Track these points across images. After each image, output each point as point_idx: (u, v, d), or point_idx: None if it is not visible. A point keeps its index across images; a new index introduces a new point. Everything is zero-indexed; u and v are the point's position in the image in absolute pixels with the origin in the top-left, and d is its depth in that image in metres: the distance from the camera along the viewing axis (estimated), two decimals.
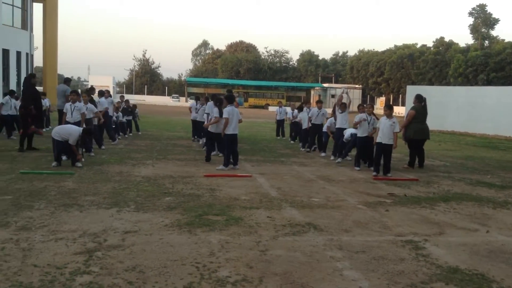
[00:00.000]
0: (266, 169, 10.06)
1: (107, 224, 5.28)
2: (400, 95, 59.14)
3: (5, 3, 29.43)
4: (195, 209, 6.15)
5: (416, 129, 11.02)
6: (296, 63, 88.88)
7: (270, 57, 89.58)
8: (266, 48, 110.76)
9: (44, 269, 3.87)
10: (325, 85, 73.33)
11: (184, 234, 5.03)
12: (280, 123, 18.32)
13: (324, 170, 10.27)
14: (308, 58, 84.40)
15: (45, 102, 17.97)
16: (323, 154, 12.69)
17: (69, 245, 4.50)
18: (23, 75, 32.05)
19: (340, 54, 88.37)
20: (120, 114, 15.85)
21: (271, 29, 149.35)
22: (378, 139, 9.76)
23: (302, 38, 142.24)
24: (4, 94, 18.38)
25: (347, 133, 11.45)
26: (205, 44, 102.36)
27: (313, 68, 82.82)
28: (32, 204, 6.06)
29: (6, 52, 29.78)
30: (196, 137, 15.29)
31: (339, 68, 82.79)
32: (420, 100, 11.29)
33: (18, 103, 13.52)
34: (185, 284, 3.71)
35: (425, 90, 21.65)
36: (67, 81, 15.76)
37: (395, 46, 69.62)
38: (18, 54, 31.40)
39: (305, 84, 77.90)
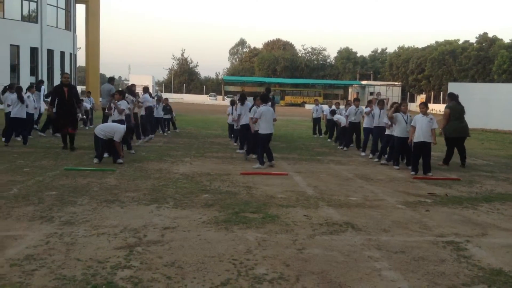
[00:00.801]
0: (303, 167, 10.02)
1: (147, 220, 5.40)
2: (442, 93, 57.53)
3: (50, 5, 30.52)
4: (232, 206, 6.20)
5: (454, 127, 10.78)
6: (333, 61, 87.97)
7: (307, 54, 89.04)
8: (303, 45, 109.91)
9: (86, 263, 3.99)
10: (363, 82, 72.25)
11: (221, 231, 5.08)
12: (316, 121, 18.19)
13: (362, 168, 10.14)
14: (346, 55, 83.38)
15: (91, 101, 18.54)
16: (363, 154, 12.39)
17: (110, 240, 4.63)
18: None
19: (379, 51, 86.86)
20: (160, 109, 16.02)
21: (309, 27, 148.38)
22: (415, 138, 9.51)
23: (340, 35, 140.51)
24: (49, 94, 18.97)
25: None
26: (242, 42, 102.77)
27: (351, 66, 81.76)
28: (76, 199, 6.27)
29: (50, 52, 30.88)
30: (233, 135, 15.39)
31: (378, 65, 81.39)
32: (452, 98, 11.08)
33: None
34: (223, 280, 3.75)
35: (468, 87, 21.05)
36: (111, 80, 16.25)
37: (436, 42, 67.83)
38: (62, 54, 32.50)
39: (342, 81, 77.02)
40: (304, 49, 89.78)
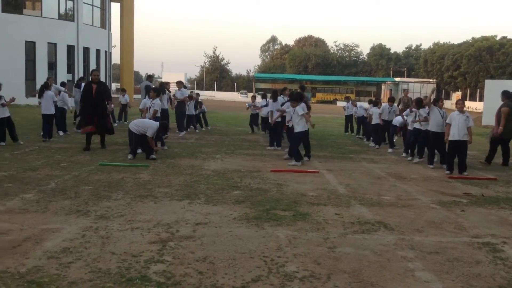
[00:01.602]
0: (334, 165, 9.94)
1: (179, 216, 5.47)
2: (478, 90, 55.93)
3: (86, 3, 31.21)
4: (262, 203, 6.21)
5: (510, 127, 10.43)
6: (366, 57, 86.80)
7: (339, 51, 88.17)
8: (335, 42, 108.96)
9: (121, 257, 4.08)
10: (397, 79, 71.02)
11: (252, 228, 5.10)
12: (348, 118, 17.99)
13: (395, 167, 9.98)
14: (379, 51, 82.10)
15: (126, 98, 18.91)
16: (390, 151, 12.36)
17: (144, 235, 4.72)
18: (102, 71, 33.89)
19: (413, 47, 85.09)
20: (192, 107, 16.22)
21: (341, 23, 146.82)
22: (451, 137, 9.28)
23: (373, 31, 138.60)
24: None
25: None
26: (273, 39, 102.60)
27: (384, 62, 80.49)
28: (110, 194, 6.41)
29: (86, 50, 31.61)
30: (266, 131, 15.45)
31: (412, 62, 79.83)
32: (508, 96, 10.67)
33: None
34: (253, 277, 3.77)
35: (505, 85, 20.30)
36: (150, 77, 16.60)
37: (473, 38, 65.88)
38: (98, 51, 33.22)
39: (375, 78, 75.91)
40: (336, 46, 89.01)
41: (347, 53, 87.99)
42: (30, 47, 27.79)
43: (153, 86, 12.66)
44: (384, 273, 3.98)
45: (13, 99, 11.12)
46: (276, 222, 5.33)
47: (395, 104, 13.53)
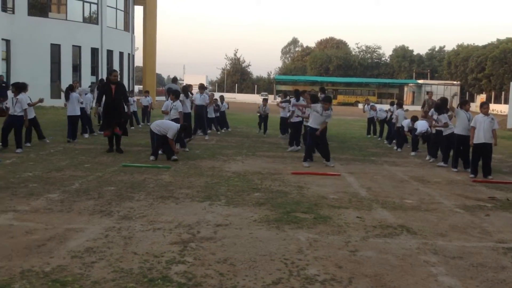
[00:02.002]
0: (356, 168, 9.86)
1: (200, 217, 5.50)
2: (503, 92, 54.72)
3: (109, 7, 31.68)
4: (283, 205, 6.20)
5: None
6: (388, 59, 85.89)
7: (361, 53, 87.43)
8: (357, 44, 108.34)
9: (143, 257, 4.12)
10: (420, 81, 70.07)
11: (273, 230, 5.09)
12: (371, 121, 17.83)
13: (418, 170, 9.85)
14: (402, 53, 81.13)
15: (148, 100, 19.09)
16: (413, 154, 12.21)
17: (165, 235, 4.76)
18: (125, 74, 34.35)
19: (436, 49, 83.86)
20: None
21: (363, 25, 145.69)
22: (475, 139, 9.10)
23: (395, 33, 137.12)
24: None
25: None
26: (294, 41, 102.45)
27: (406, 64, 79.50)
28: (133, 195, 6.49)
29: (110, 53, 32.07)
30: (286, 134, 15.43)
31: (435, 64, 78.64)
32: None
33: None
34: (274, 279, 3.76)
35: None
36: (175, 80, 16.83)
37: (498, 40, 64.58)
38: (121, 54, 33.67)
39: (398, 80, 75.02)
40: (358, 48, 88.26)
41: (369, 55, 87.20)
42: (55, 50, 28.34)
43: (174, 89, 12.71)
44: (407, 277, 3.93)
45: (41, 100, 11.34)
46: (296, 225, 5.32)
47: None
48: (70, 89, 12.36)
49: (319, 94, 14.78)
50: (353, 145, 14.37)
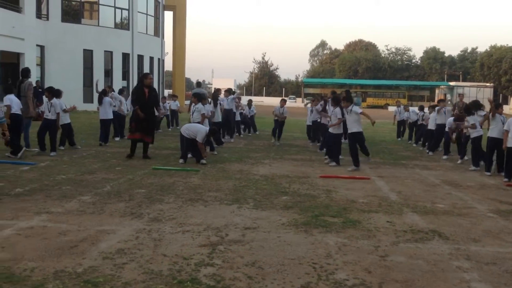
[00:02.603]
0: (386, 171, 9.72)
1: (228, 220, 5.53)
2: None
3: (140, 12, 32.26)
4: (311, 209, 6.17)
5: None
6: (419, 61, 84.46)
7: (391, 55, 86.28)
8: (386, 46, 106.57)
9: (172, 259, 4.17)
10: (452, 83, 68.59)
11: (301, 234, 5.07)
12: (401, 123, 17.57)
13: (450, 174, 9.64)
14: (433, 55, 79.66)
15: (176, 104, 19.34)
16: (445, 157, 11.92)
17: (194, 238, 4.80)
18: (155, 78, 34.85)
19: (469, 50, 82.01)
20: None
21: (393, 26, 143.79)
22: (509, 143, 8.84)
23: (426, 34, 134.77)
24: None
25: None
26: (323, 44, 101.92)
27: (438, 66, 77.99)
28: (163, 197, 6.57)
29: (140, 58, 32.63)
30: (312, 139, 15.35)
31: (467, 65, 76.86)
32: None
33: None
34: (303, 283, 3.74)
35: None
36: (199, 84, 17.21)
37: None
38: (151, 59, 34.22)
39: (428, 82, 73.67)
40: (387, 50, 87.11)
41: (399, 56, 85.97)
42: (88, 55, 29.02)
43: (198, 92, 12.80)
44: (438, 283, 3.84)
45: (74, 108, 11.66)
46: (325, 229, 5.28)
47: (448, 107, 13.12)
48: (103, 93, 12.63)
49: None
50: (383, 148, 14.18)
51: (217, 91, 14.63)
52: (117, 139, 13.72)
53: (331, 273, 3.98)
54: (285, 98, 17.63)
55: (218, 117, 12.92)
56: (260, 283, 3.72)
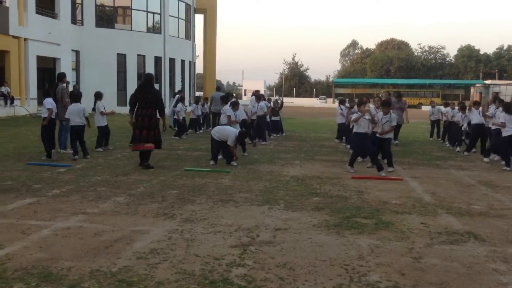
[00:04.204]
0: (419, 172, 9.54)
1: (259, 221, 5.54)
2: None
3: (172, 16, 32.73)
4: (343, 210, 6.12)
5: None
6: (453, 59, 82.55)
7: (424, 53, 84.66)
8: (419, 44, 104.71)
9: (204, 259, 4.21)
10: (487, 82, 66.71)
11: (332, 235, 5.04)
12: (434, 123, 17.21)
13: (486, 175, 9.38)
14: (468, 53, 77.74)
15: (206, 107, 19.53)
16: (486, 160, 11.39)
17: (226, 238, 4.83)
18: (187, 81, 35.27)
19: (505, 48, 79.57)
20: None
21: (425, 25, 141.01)
22: None
23: (460, 32, 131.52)
24: (174, 98, 20.53)
25: None
26: (354, 44, 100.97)
27: (473, 64, 76.07)
28: (194, 198, 6.64)
29: (172, 61, 33.11)
30: (339, 140, 15.21)
31: (503, 63, 74.69)
32: None
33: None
34: (334, 285, 3.72)
35: None
36: (219, 89, 17.47)
37: None
38: (182, 62, 34.67)
39: (463, 81, 71.92)
40: (420, 48, 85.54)
41: (432, 55, 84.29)
42: (121, 59, 29.65)
43: (224, 95, 12.93)
44: (474, 286, 3.75)
45: (113, 113, 12.00)
46: (357, 230, 5.23)
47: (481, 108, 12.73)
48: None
49: (392, 98, 14.38)
50: (416, 148, 13.92)
51: (257, 91, 15.05)
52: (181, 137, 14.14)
53: (363, 275, 3.94)
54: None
55: (242, 115, 12.87)
56: (292, 284, 3.72)
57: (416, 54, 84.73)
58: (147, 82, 9.37)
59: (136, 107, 9.11)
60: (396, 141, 14.34)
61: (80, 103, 10.41)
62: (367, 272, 4.00)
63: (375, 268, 4.10)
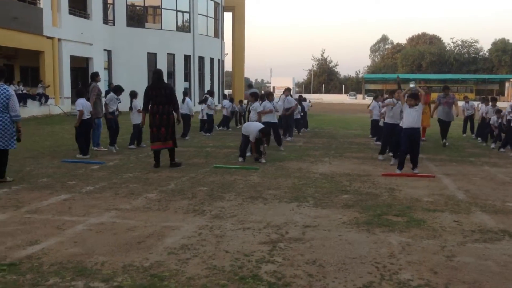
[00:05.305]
0: (452, 169, 9.34)
1: (288, 218, 5.54)
2: None
3: (201, 15, 32.98)
4: (373, 208, 6.05)
5: None
6: (487, 53, 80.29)
7: (457, 48, 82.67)
8: (452, 38, 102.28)
9: (234, 255, 4.24)
10: None
11: (363, 233, 4.99)
12: (467, 119, 16.82)
13: None
14: (502, 47, 75.46)
15: (233, 105, 19.68)
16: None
17: (255, 235, 4.86)
18: (216, 79, 35.49)
19: None
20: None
21: (458, 18, 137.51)
22: None
23: (494, 25, 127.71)
24: (201, 97, 20.79)
25: None
26: (384, 39, 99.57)
27: (507, 58, 73.79)
28: (224, 195, 6.70)
29: (201, 59, 33.37)
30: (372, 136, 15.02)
31: None
32: None
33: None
34: (365, 282, 3.69)
35: None
36: (251, 86, 17.63)
37: None
38: (211, 60, 34.89)
39: (497, 76, 69.90)
40: (453, 42, 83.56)
41: (465, 49, 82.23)
42: (152, 58, 30.07)
43: (255, 91, 12.92)
44: (508, 285, 3.66)
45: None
46: (388, 228, 5.16)
47: None
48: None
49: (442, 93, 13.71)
50: (449, 145, 13.62)
51: (288, 90, 15.11)
52: (187, 138, 14.20)
53: (394, 273, 3.89)
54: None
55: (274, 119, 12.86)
56: (321, 281, 3.71)
57: (448, 48, 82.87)
58: (157, 77, 9.02)
59: (150, 105, 8.91)
60: (445, 141, 13.21)
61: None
62: (398, 270, 3.95)
63: (406, 266, 4.05)
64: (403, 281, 3.73)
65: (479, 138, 14.96)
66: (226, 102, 18.44)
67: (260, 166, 9.23)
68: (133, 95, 11.99)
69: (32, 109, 22.23)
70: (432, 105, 14.13)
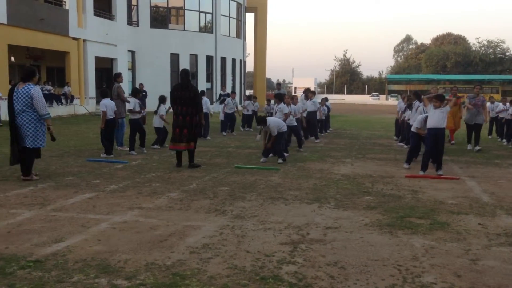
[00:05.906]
0: (477, 171, 9.17)
1: (309, 219, 5.53)
2: None
3: (223, 15, 33.15)
4: (396, 210, 5.99)
5: None
6: None
7: (482, 48, 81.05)
8: (477, 39, 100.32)
9: (255, 256, 4.25)
10: None
11: (385, 235, 4.94)
12: (493, 120, 16.46)
13: None
14: None
15: (255, 105, 19.73)
16: None
17: (276, 235, 4.86)
18: (237, 79, 35.62)
19: None
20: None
21: (484, 18, 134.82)
22: None
23: None
24: (220, 97, 20.94)
25: None
26: (408, 39, 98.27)
27: None
28: (245, 195, 6.72)
29: (223, 60, 33.53)
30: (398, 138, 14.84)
31: None
32: None
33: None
34: (387, 285, 3.65)
35: None
36: (279, 85, 18.03)
37: None
38: (233, 61, 35.04)
39: None
40: (478, 43, 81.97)
41: (491, 50, 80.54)
42: (175, 59, 30.37)
43: (280, 93, 12.92)
44: None
45: (167, 122, 12.44)
46: (411, 230, 5.10)
47: None
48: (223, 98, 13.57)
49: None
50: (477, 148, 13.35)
51: (307, 90, 15.16)
52: (208, 138, 14.40)
53: (417, 276, 3.85)
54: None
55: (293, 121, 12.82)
56: (343, 283, 3.69)
57: (474, 49, 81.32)
58: (185, 78, 9.01)
59: (175, 105, 8.94)
60: (478, 147, 12.39)
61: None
62: (421, 273, 3.90)
63: (429, 269, 4.00)
64: (426, 284, 3.68)
65: (504, 140, 14.64)
66: (247, 102, 18.58)
67: (281, 167, 9.22)
68: (162, 99, 12.01)
69: (58, 109, 22.70)
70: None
